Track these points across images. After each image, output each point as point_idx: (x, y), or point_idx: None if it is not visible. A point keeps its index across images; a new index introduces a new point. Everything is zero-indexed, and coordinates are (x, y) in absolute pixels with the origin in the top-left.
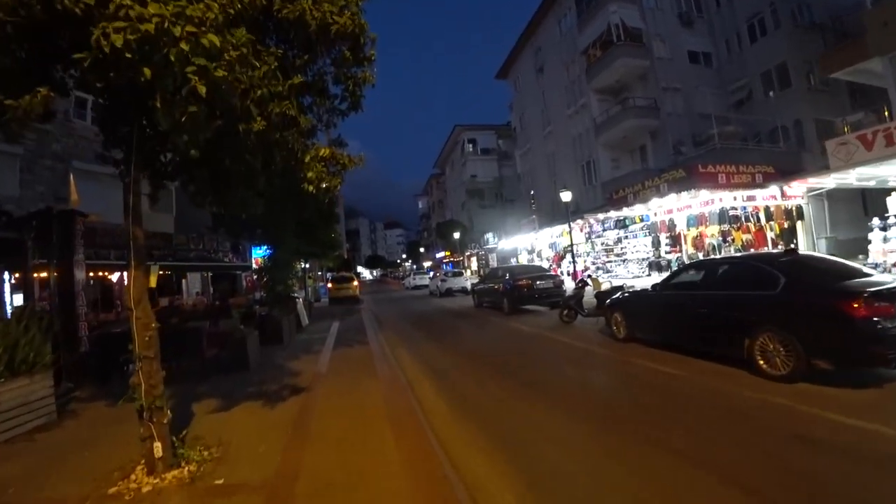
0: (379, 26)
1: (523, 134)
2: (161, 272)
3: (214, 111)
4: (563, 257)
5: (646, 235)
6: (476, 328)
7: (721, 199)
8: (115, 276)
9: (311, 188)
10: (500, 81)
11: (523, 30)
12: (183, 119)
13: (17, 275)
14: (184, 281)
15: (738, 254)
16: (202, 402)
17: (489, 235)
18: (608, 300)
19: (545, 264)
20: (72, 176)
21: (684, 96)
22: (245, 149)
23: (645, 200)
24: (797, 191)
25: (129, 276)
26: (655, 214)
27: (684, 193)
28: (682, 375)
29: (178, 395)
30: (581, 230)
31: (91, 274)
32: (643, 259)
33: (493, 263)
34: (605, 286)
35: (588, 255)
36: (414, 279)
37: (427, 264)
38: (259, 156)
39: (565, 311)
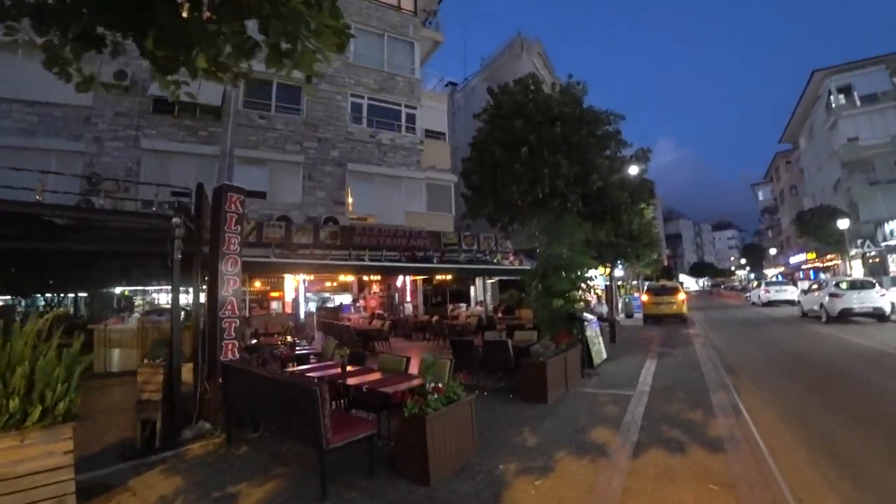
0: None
1: None
2: (425, 276)
3: None
4: None
5: None
6: None
7: None
8: (398, 281)
9: None
10: None
11: None
12: None
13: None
14: (472, 288)
15: None
16: None
17: (893, 226)
18: None
19: None
20: (347, 179)
21: None
22: None
23: None
24: None
25: None
26: None
27: None
28: None
29: None
30: None
31: (366, 278)
32: None
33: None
34: None
35: None
36: (767, 292)
37: (772, 271)
38: None
39: None
